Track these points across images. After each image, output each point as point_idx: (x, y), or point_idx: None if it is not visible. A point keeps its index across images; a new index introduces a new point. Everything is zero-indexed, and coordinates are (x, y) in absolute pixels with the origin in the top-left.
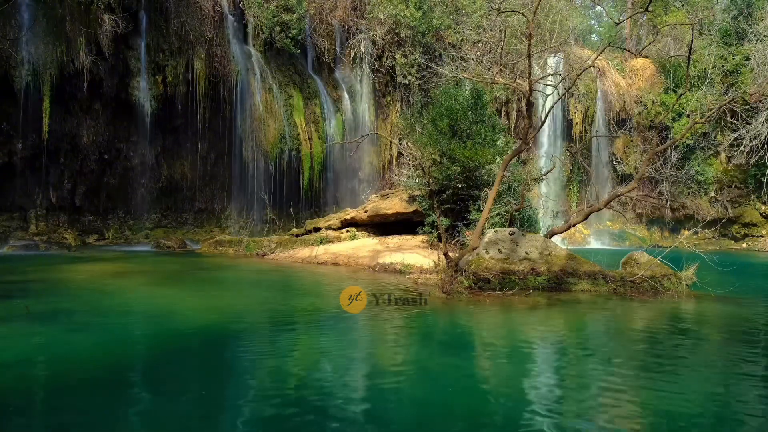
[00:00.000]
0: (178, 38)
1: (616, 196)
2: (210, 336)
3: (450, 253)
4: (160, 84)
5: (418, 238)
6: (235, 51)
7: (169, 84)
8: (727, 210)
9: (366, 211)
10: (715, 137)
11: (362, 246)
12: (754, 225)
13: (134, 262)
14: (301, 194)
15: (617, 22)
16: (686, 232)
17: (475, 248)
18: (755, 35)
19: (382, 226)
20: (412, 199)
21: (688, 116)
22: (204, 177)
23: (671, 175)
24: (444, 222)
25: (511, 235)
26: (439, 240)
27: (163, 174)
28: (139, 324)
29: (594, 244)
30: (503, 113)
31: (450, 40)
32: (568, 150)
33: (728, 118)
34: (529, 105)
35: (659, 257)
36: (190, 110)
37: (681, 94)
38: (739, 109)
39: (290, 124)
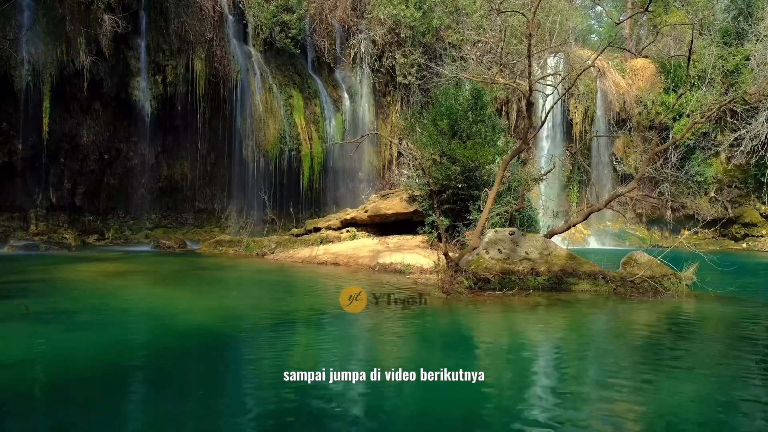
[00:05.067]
0: (178, 38)
1: (616, 196)
2: (210, 336)
3: (450, 253)
4: (160, 84)
5: (418, 238)
6: (235, 51)
7: (169, 84)
8: (727, 210)
9: (366, 211)
10: (715, 137)
11: (362, 246)
12: (754, 225)
13: (134, 262)
14: (301, 194)
15: (617, 22)
16: (686, 232)
17: (475, 248)
18: (755, 35)
19: (382, 226)
20: (412, 199)
21: (688, 116)
22: (204, 177)
23: (671, 175)
24: (444, 222)
25: (511, 235)
26: (439, 240)
27: (163, 174)
28: (139, 324)
29: (594, 244)
30: (503, 113)
31: (450, 40)
32: (568, 150)
33: (728, 118)
34: (529, 105)
35: (659, 257)
36: (190, 110)
37: (681, 94)
38: (739, 109)
39: (290, 124)
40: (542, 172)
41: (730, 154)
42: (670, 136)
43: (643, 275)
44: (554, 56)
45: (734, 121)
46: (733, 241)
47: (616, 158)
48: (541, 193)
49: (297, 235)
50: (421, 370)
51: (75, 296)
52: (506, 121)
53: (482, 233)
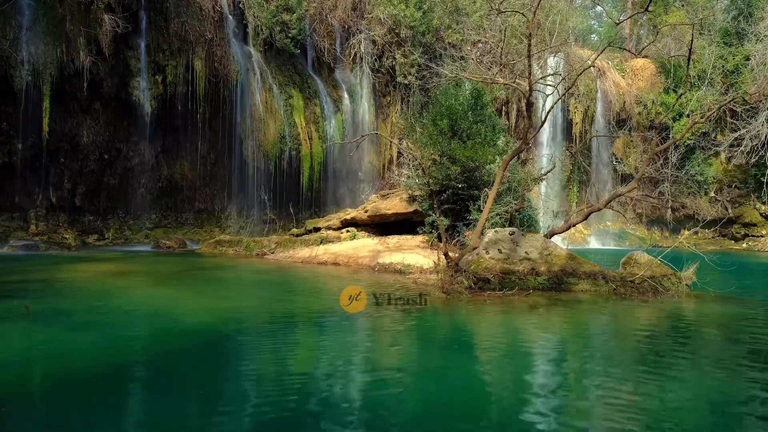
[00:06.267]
0: (178, 38)
1: (616, 196)
2: (210, 336)
3: (450, 253)
4: (160, 84)
5: (418, 238)
6: (235, 51)
7: (169, 84)
8: (727, 210)
9: (366, 211)
10: (715, 137)
11: (362, 246)
12: (754, 225)
13: (134, 262)
14: (301, 194)
15: (617, 22)
16: (686, 232)
17: (475, 248)
18: (755, 35)
19: (382, 226)
20: (412, 199)
21: (688, 116)
22: (204, 177)
23: (671, 175)
24: (444, 222)
25: (511, 235)
26: (439, 240)
27: (163, 174)
28: (139, 324)
29: (594, 244)
30: (503, 113)
31: (450, 40)
32: (568, 150)
33: (728, 118)
34: (529, 105)
35: (659, 257)
36: (190, 110)
37: (681, 94)
38: (739, 109)
39: (290, 124)
40: (542, 172)
41: (730, 154)
42: (670, 136)
43: (643, 275)
44: (554, 56)
45: (734, 121)
46: (733, 241)
47: (616, 158)
48: (541, 193)
49: (297, 235)
50: (421, 370)
51: (75, 296)
52: (506, 121)
53: (482, 233)
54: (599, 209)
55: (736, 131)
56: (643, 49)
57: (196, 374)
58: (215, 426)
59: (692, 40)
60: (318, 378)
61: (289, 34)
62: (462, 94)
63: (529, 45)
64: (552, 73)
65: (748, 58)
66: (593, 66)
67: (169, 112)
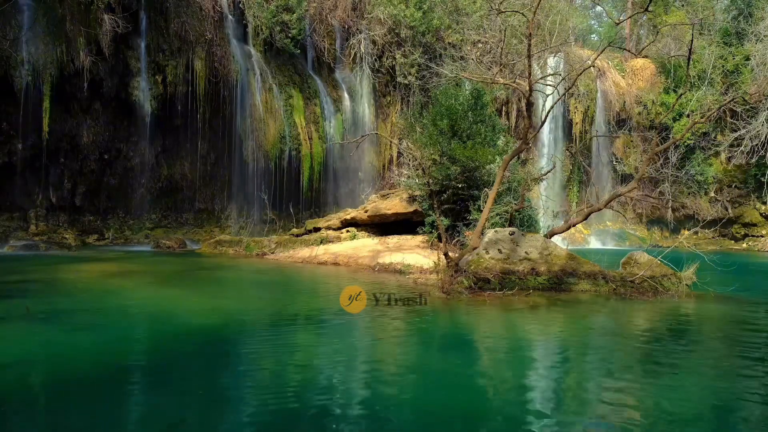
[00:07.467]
0: (178, 38)
1: (616, 196)
2: (210, 336)
3: (450, 253)
4: (160, 84)
5: (418, 238)
6: (235, 51)
7: (169, 84)
8: (727, 210)
9: (366, 211)
10: (715, 137)
11: (362, 246)
12: (754, 225)
13: (134, 262)
14: (301, 194)
15: (617, 22)
16: (686, 232)
17: (475, 248)
18: (755, 35)
19: (382, 226)
20: (412, 199)
21: (688, 116)
22: (204, 177)
23: (671, 175)
24: (444, 222)
25: (511, 235)
26: (439, 240)
27: (163, 174)
28: (139, 324)
29: (594, 244)
30: (503, 113)
31: (450, 40)
32: (568, 150)
33: (728, 118)
34: (529, 105)
35: (659, 257)
36: (190, 110)
37: (681, 94)
38: (739, 109)
39: (290, 124)
40: (542, 172)
41: (730, 154)
42: (670, 136)
43: (643, 275)
44: (554, 56)
45: (734, 121)
46: (733, 241)
47: (616, 158)
48: (541, 193)
49: (297, 235)
50: (421, 370)
51: (75, 296)
52: (506, 121)
53: (482, 233)
54: (599, 209)
55: (736, 131)
56: (643, 49)
57: (197, 375)
58: (216, 426)
59: (692, 40)
60: (318, 378)
61: (289, 34)
62: (462, 94)
63: (529, 45)
64: (552, 73)
65: (748, 58)
66: (593, 66)
67: (169, 112)
